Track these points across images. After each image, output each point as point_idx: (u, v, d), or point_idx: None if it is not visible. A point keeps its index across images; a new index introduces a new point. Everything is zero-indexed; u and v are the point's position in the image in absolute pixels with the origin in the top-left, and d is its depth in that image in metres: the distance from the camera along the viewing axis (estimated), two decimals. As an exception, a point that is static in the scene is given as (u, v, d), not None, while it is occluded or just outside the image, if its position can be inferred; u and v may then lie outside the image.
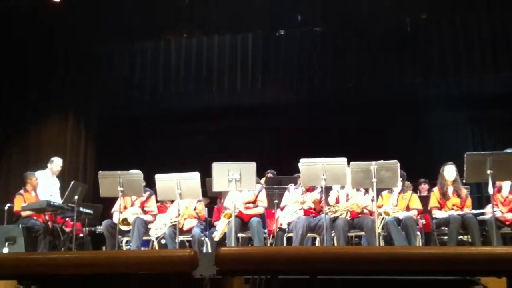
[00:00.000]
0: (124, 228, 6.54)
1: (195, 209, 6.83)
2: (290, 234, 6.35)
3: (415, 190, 8.04)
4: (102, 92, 10.09)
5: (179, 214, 6.25)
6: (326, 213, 6.05)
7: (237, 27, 9.45)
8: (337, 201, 6.41)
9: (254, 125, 10.84)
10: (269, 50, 9.57)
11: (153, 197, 6.85)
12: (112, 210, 6.88)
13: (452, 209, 6.37)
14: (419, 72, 9.21)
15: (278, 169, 8.38)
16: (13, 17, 9.36)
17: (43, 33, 9.59)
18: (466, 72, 8.95)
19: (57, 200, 7.72)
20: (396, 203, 6.48)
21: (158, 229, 6.55)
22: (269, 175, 8.08)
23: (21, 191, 7.69)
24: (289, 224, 6.28)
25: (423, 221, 7.10)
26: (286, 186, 6.82)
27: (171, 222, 6.51)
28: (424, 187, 8.48)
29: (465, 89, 10.32)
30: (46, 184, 8.04)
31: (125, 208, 6.86)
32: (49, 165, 8.24)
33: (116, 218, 6.57)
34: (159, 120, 10.93)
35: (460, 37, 8.87)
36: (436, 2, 8.83)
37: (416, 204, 6.53)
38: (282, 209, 6.57)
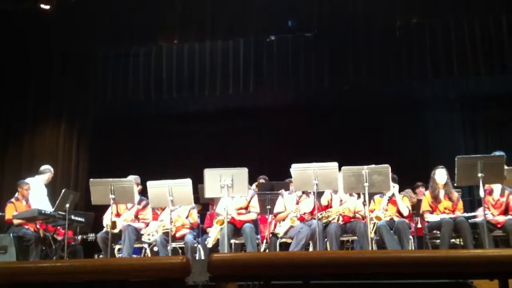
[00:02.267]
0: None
1: (187, 217, 6.79)
2: (284, 240, 6.35)
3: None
4: (96, 95, 10.05)
5: (171, 222, 6.22)
6: (319, 219, 6.06)
7: (229, 33, 9.47)
8: (330, 206, 6.42)
9: (249, 128, 10.83)
10: (261, 55, 9.60)
11: (150, 207, 6.80)
12: (103, 218, 6.83)
13: (444, 212, 6.40)
14: (415, 73, 9.24)
15: (273, 172, 8.36)
16: (11, 19, 9.32)
17: (40, 35, 9.56)
18: (460, 73, 9.00)
19: (47, 207, 7.65)
20: (387, 207, 6.51)
21: (151, 234, 6.52)
22: (261, 180, 8.07)
23: (12, 200, 7.62)
24: (288, 230, 6.27)
25: (419, 224, 7.10)
26: (278, 192, 6.81)
27: (163, 229, 6.48)
28: (421, 190, 8.28)
29: (459, 90, 10.36)
30: (36, 192, 7.97)
31: (118, 214, 6.82)
32: (47, 174, 8.10)
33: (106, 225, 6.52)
34: (154, 123, 10.90)
35: (455, 38, 8.92)
36: (430, 4, 8.89)
37: (406, 205, 6.56)
38: (275, 215, 6.56)
